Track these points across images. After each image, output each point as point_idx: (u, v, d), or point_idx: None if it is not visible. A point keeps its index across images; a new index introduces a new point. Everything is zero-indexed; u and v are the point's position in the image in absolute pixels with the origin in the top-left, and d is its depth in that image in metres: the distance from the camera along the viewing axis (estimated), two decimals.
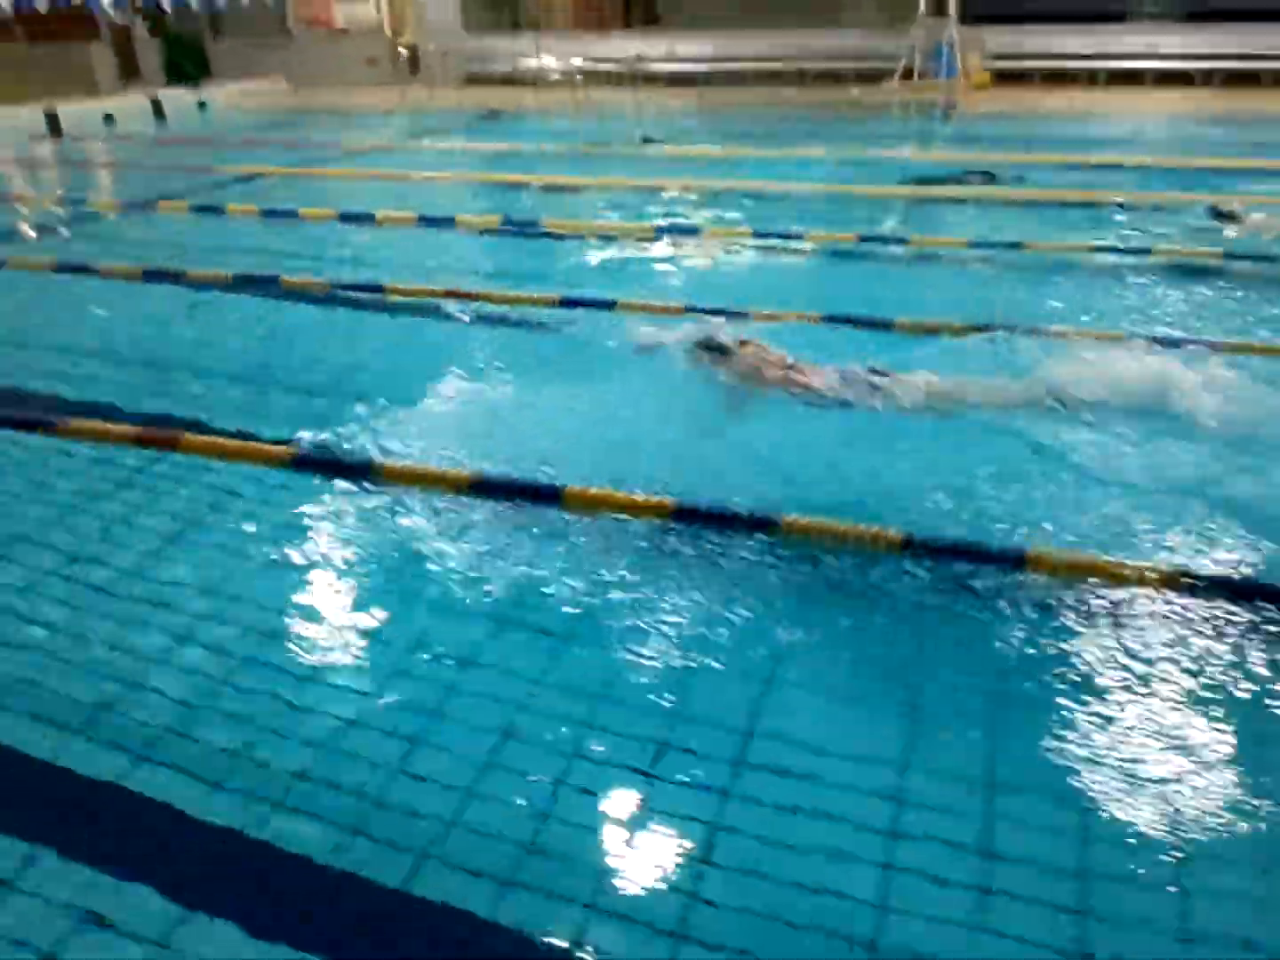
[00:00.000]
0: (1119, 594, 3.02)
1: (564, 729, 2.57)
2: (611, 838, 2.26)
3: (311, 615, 3.11)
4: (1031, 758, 2.45)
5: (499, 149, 13.02)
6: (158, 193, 9.92)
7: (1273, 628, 2.85)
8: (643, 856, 2.20)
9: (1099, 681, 2.69)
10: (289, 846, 2.24)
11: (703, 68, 20.13)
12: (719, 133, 14.12)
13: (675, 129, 14.03)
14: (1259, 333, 5.28)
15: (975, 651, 2.85)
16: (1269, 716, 2.57)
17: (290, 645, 2.96)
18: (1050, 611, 2.97)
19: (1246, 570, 3.14)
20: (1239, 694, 2.63)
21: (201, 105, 18.29)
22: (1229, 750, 2.46)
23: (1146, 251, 7.01)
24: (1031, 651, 2.81)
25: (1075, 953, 1.96)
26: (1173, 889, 2.09)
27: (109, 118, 16.07)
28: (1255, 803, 2.29)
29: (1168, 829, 2.22)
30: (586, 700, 2.68)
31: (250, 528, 3.62)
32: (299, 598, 3.21)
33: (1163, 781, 2.36)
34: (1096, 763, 2.41)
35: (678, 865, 2.17)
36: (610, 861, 2.19)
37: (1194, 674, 2.70)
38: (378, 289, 6.50)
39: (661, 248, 7.65)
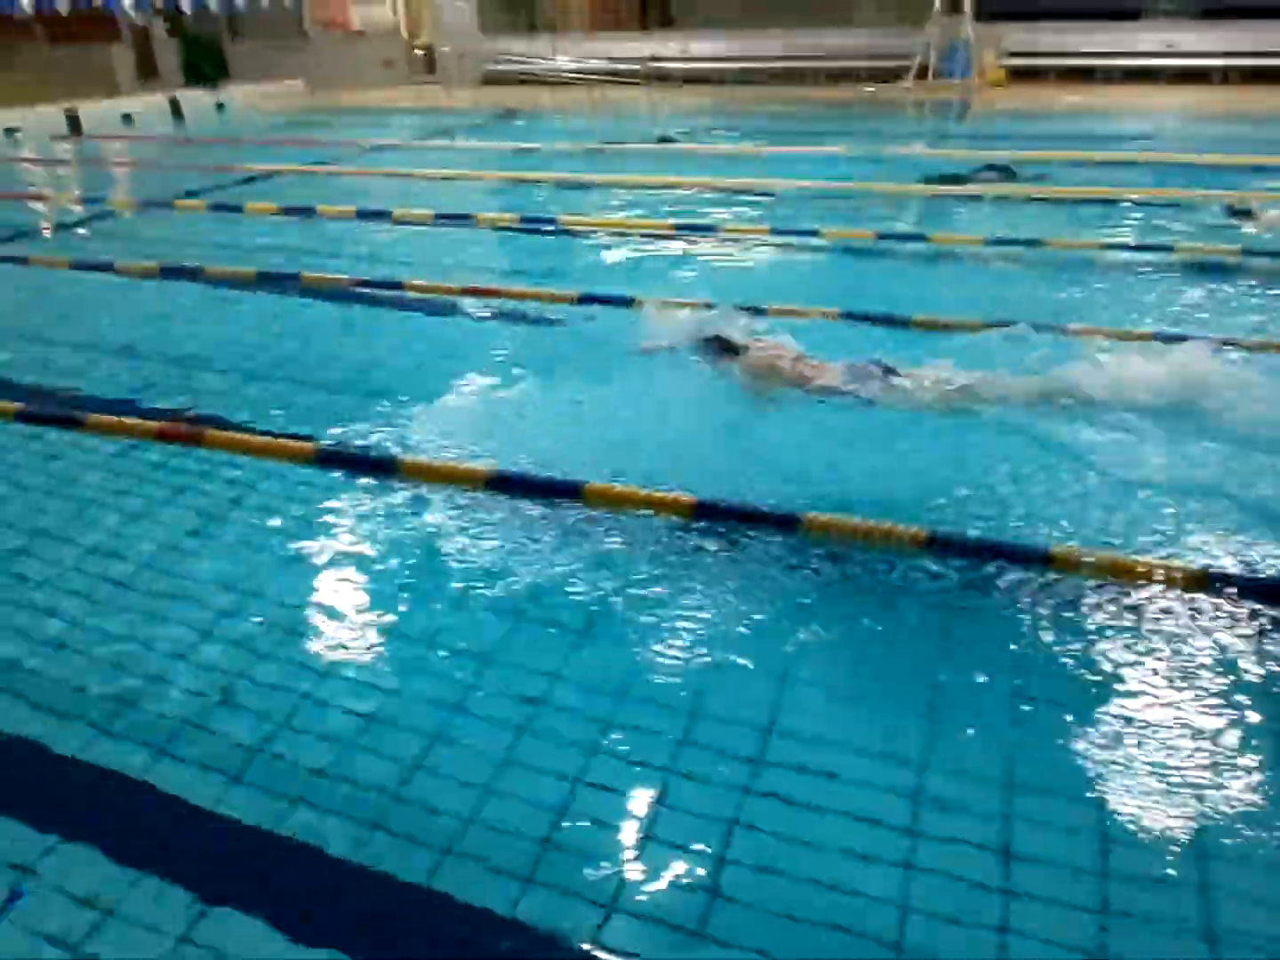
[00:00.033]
0: (1144, 593, 2.99)
1: (582, 725, 2.56)
2: (630, 835, 2.25)
3: (331, 611, 3.12)
4: (1053, 758, 2.43)
5: (516, 147, 13.02)
6: (176, 191, 9.97)
7: None
8: (661, 854, 2.19)
9: (1122, 682, 2.66)
10: (308, 841, 2.25)
11: (718, 67, 20.16)
12: (735, 131, 14.10)
13: (692, 128, 14.02)
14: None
15: (997, 650, 2.83)
16: None
17: (310, 640, 2.97)
18: (1073, 610, 2.95)
19: (1272, 570, 3.10)
20: (1265, 695, 2.60)
21: (220, 106, 18.39)
22: (1254, 752, 2.43)
23: (1164, 249, 6.96)
24: (1054, 650, 2.79)
25: (1097, 954, 1.94)
26: (1195, 890, 2.06)
27: (128, 118, 16.19)
28: None
29: (1192, 830, 2.20)
30: (605, 697, 2.67)
31: (273, 522, 3.64)
32: (319, 593, 3.22)
33: (1186, 784, 2.33)
34: (1119, 764, 2.39)
35: (696, 863, 2.16)
36: (628, 858, 2.19)
37: (1219, 674, 2.67)
38: (396, 286, 6.52)
39: (679, 245, 7.64)
